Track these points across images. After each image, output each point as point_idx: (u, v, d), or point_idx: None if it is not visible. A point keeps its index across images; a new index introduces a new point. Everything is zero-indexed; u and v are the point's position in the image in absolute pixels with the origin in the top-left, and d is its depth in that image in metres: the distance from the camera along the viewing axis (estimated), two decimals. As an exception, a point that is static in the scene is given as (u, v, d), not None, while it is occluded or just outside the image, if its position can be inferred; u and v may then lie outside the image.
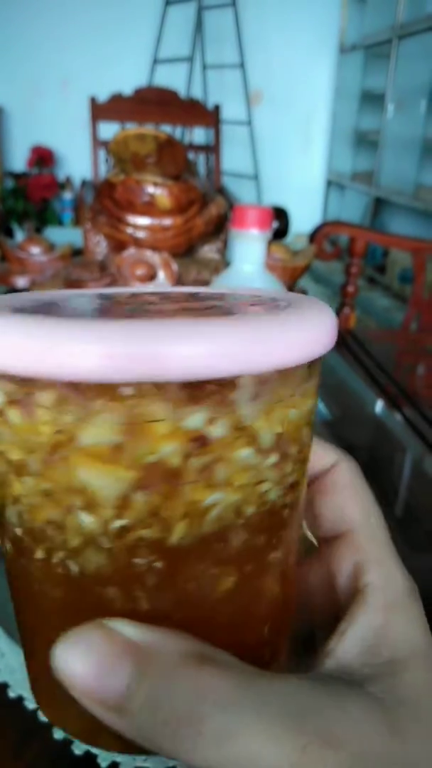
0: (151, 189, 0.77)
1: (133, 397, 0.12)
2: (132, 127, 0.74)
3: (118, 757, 0.31)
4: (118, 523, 0.13)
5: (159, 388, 0.12)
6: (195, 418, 0.13)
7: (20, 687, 0.35)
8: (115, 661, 0.12)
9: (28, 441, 0.13)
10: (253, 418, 0.14)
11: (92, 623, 0.13)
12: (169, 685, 0.12)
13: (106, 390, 0.12)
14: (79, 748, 0.32)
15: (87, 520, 0.13)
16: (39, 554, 0.14)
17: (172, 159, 0.75)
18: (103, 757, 0.31)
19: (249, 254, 0.48)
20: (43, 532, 0.14)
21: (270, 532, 0.15)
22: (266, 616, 0.16)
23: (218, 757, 0.11)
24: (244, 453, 0.14)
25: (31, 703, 0.34)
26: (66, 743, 0.32)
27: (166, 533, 0.13)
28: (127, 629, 0.12)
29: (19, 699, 0.34)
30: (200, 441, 0.13)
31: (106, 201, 0.81)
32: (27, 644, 0.17)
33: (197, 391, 0.13)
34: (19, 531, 0.14)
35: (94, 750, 0.32)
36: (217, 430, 0.13)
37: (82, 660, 0.12)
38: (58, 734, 0.32)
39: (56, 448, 0.13)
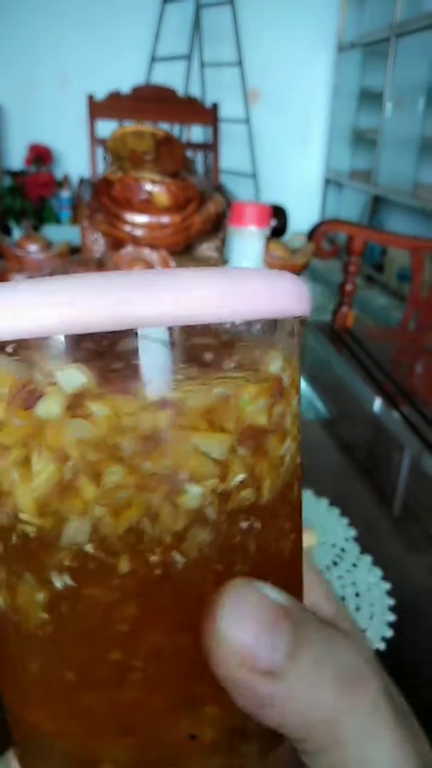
0: (149, 186, 0.77)
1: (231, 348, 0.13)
2: (130, 125, 0.74)
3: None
4: (221, 488, 0.13)
5: (245, 335, 0.13)
6: (276, 364, 0.14)
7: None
8: (273, 626, 0.12)
9: (119, 428, 0.12)
10: (297, 364, 0.14)
11: (245, 586, 0.13)
12: (328, 647, 0.13)
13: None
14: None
15: (194, 491, 0.13)
16: (123, 567, 0.13)
17: (170, 156, 0.74)
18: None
19: (247, 251, 0.47)
20: (131, 534, 0.13)
21: (299, 482, 0.16)
22: (300, 566, 0.17)
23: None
24: (295, 400, 0.14)
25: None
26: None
27: (258, 492, 0.14)
28: (273, 594, 0.13)
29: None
30: (280, 388, 0.14)
31: (104, 198, 0.80)
32: (21, 705, 0.15)
33: (270, 335, 0.13)
34: (89, 547, 0.13)
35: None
36: (287, 377, 0.14)
37: (243, 625, 0.12)
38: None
39: (160, 423, 0.12)
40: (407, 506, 0.57)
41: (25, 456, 0.13)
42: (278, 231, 1.49)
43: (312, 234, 1.23)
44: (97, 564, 0.13)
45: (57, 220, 3.04)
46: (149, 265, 0.83)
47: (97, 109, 2.08)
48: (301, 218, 2.53)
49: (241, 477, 0.13)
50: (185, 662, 0.14)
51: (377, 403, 0.78)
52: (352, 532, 0.48)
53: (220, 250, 0.90)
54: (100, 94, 2.08)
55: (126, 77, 2.66)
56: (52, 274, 0.92)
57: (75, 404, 0.12)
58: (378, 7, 2.83)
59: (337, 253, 1.25)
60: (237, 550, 0.14)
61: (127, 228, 0.81)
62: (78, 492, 0.12)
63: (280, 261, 0.91)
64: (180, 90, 2.34)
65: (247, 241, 0.47)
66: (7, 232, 1.18)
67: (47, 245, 0.99)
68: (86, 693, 0.14)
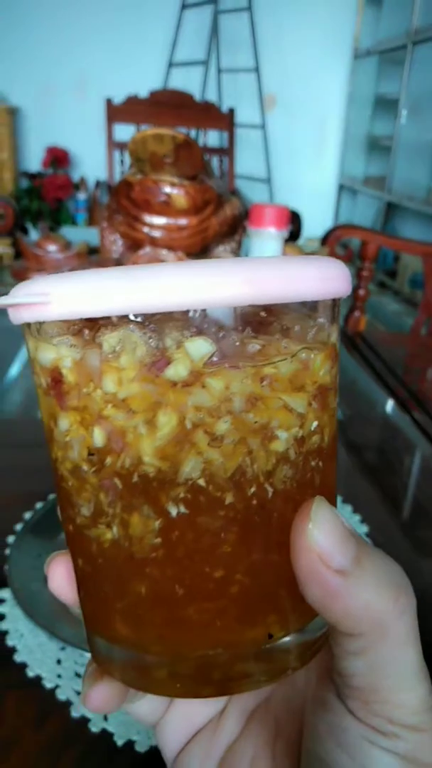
0: (167, 189, 0.78)
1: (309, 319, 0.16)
2: (148, 129, 0.75)
3: (134, 736, 0.32)
4: (300, 434, 0.16)
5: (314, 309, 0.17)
6: (334, 335, 0.17)
7: (39, 667, 0.36)
8: (345, 538, 0.16)
9: (230, 392, 0.15)
10: (340, 333, 0.18)
11: (326, 507, 0.16)
12: (382, 561, 0.16)
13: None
14: (95, 726, 0.33)
15: (283, 437, 0.16)
16: (228, 499, 0.16)
17: (189, 160, 0.76)
18: (120, 734, 0.32)
19: (265, 252, 0.49)
20: (236, 473, 0.16)
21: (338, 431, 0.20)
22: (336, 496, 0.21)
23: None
24: (338, 362, 0.18)
25: (49, 683, 0.35)
26: (83, 721, 0.33)
27: (322, 437, 0.17)
28: (341, 517, 0.16)
29: (38, 678, 0.35)
30: (335, 354, 0.17)
31: (123, 200, 0.82)
32: (105, 601, 0.18)
33: (330, 311, 0.17)
34: (202, 482, 0.16)
35: (110, 728, 0.33)
36: (339, 344, 0.18)
37: (325, 533, 0.16)
38: (75, 712, 0.33)
39: (264, 381, 0.16)
40: (418, 506, 0.58)
41: (151, 413, 0.15)
42: (292, 235, 1.50)
43: (326, 239, 1.24)
44: (207, 496, 0.16)
45: (73, 222, 3.07)
46: (166, 266, 0.84)
47: (115, 112, 2.10)
48: (315, 223, 2.53)
49: (314, 425, 0.17)
50: (273, 573, 0.17)
51: (389, 406, 0.79)
52: (365, 529, 0.49)
53: (236, 252, 0.91)
54: (118, 98, 2.10)
55: (143, 82, 2.68)
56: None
57: (197, 371, 0.15)
58: (394, 15, 2.84)
59: (350, 258, 1.26)
60: (308, 483, 0.17)
61: (146, 229, 0.82)
62: (195, 440, 0.15)
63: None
64: (197, 95, 2.36)
65: (266, 242, 0.48)
66: (25, 232, 1.20)
67: (66, 245, 1.00)
68: (191, 605, 0.17)
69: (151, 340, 0.15)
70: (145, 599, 0.17)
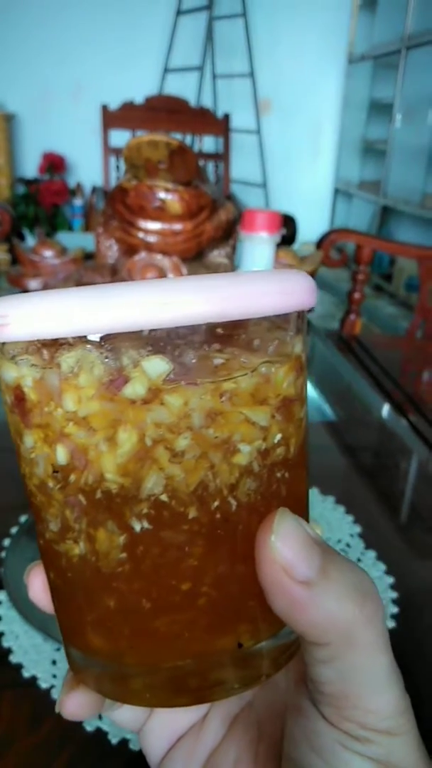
0: (162, 194, 0.79)
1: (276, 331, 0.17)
2: (143, 135, 0.76)
3: (128, 735, 0.33)
4: (263, 447, 0.17)
5: (283, 322, 0.17)
6: (298, 346, 0.18)
7: (34, 668, 0.36)
8: (309, 548, 0.16)
9: (189, 409, 0.16)
10: (307, 343, 0.19)
11: (289, 518, 0.16)
12: (348, 569, 0.16)
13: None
14: (90, 725, 0.33)
15: (245, 450, 0.16)
16: (192, 513, 0.16)
17: (183, 165, 0.77)
18: (114, 733, 0.33)
19: (257, 257, 0.49)
20: (198, 487, 0.16)
21: (308, 439, 0.20)
22: (308, 505, 0.21)
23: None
24: (306, 373, 0.19)
25: (44, 683, 0.35)
26: (78, 720, 0.33)
27: (287, 448, 0.17)
28: (306, 525, 0.17)
29: (33, 679, 0.35)
30: (300, 365, 0.18)
31: (119, 206, 0.83)
32: (76, 613, 0.18)
33: (294, 323, 0.17)
34: (164, 498, 0.16)
35: (105, 727, 0.33)
36: (304, 355, 0.18)
37: (289, 545, 0.16)
38: (70, 712, 0.34)
39: (224, 397, 0.16)
40: (412, 507, 0.59)
41: (111, 430, 0.16)
42: (288, 240, 1.51)
43: (321, 242, 1.25)
44: (170, 511, 0.16)
45: (69, 228, 3.08)
46: (161, 271, 0.85)
47: (111, 118, 2.11)
48: (311, 228, 2.55)
49: (278, 437, 0.17)
50: (239, 584, 0.17)
51: (384, 409, 0.79)
52: (357, 529, 0.50)
53: (230, 256, 0.91)
54: (114, 104, 2.12)
55: (139, 88, 2.70)
56: (66, 279, 0.95)
57: (155, 389, 0.15)
58: (389, 20, 2.86)
59: (345, 262, 1.27)
60: (274, 494, 0.17)
61: (141, 235, 0.83)
62: (156, 456, 0.16)
63: (289, 268, 0.93)
64: (192, 101, 2.37)
65: (258, 247, 0.48)
66: (21, 238, 1.20)
67: (62, 251, 1.01)
68: (159, 617, 0.17)
69: (108, 360, 0.15)
70: (114, 612, 0.17)
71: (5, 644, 0.37)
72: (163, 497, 0.16)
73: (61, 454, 0.16)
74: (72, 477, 0.16)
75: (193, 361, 0.16)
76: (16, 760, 0.31)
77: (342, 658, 0.16)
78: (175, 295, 0.15)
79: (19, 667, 0.36)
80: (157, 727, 0.22)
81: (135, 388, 0.15)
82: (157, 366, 0.15)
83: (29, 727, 0.33)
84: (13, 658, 0.37)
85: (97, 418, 0.15)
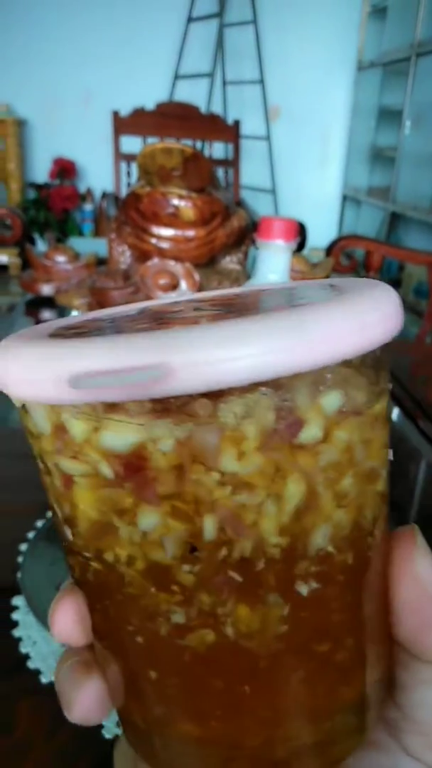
0: (175, 201, 0.80)
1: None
2: (153, 142, 0.76)
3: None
4: (388, 466, 0.16)
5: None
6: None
7: (52, 674, 0.36)
8: None
9: (354, 442, 0.14)
10: None
11: (420, 534, 0.16)
12: None
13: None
14: (108, 732, 0.33)
15: (383, 474, 0.16)
16: (350, 560, 0.15)
17: (197, 172, 0.77)
18: (132, 740, 0.33)
19: (274, 264, 0.49)
20: (354, 528, 0.15)
21: None
22: None
23: None
24: None
25: (61, 689, 0.35)
26: (96, 728, 0.33)
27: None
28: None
29: (51, 685, 0.36)
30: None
31: (132, 212, 0.83)
32: (195, 703, 0.15)
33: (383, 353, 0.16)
34: (330, 549, 0.14)
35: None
36: None
37: (428, 566, 0.16)
38: (88, 718, 0.34)
39: (376, 422, 0.15)
40: (424, 514, 0.58)
41: (277, 486, 0.13)
42: (298, 246, 1.52)
43: (331, 249, 1.25)
44: (333, 564, 0.14)
45: (80, 233, 3.09)
46: (174, 277, 0.85)
47: (122, 124, 2.12)
48: (320, 234, 2.55)
49: (391, 453, 0.16)
50: (376, 622, 0.16)
51: (394, 414, 0.79)
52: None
53: (242, 263, 0.92)
54: (124, 110, 2.13)
55: (150, 94, 2.71)
56: (79, 284, 0.95)
57: (329, 427, 0.13)
58: (398, 27, 2.86)
59: (355, 268, 1.27)
60: (387, 515, 0.17)
61: (154, 241, 0.84)
62: (323, 503, 0.14)
63: (301, 275, 0.93)
64: (202, 107, 2.38)
65: (275, 254, 0.49)
66: (31, 243, 1.21)
67: (75, 256, 1.02)
68: (304, 688, 0.15)
69: (285, 402, 0.13)
70: (253, 697, 0.15)
71: (23, 650, 0.38)
72: (330, 548, 0.14)
73: (209, 527, 0.13)
74: (222, 552, 0.13)
75: (356, 387, 0.14)
76: (34, 766, 0.31)
77: None
78: (370, 316, 0.13)
79: (37, 672, 0.36)
80: None
81: (312, 431, 0.13)
82: (335, 401, 0.13)
83: (47, 733, 0.33)
84: (31, 664, 0.37)
85: (262, 474, 0.13)
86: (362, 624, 0.16)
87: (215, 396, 0.12)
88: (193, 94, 2.91)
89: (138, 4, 3.02)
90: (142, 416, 0.13)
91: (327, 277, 0.99)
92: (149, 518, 0.13)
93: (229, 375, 0.12)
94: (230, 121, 2.25)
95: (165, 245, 0.83)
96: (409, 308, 2.91)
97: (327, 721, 0.15)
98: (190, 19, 2.95)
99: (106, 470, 0.13)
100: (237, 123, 2.21)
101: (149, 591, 0.14)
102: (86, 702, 0.16)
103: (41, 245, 2.58)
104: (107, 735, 0.33)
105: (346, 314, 0.13)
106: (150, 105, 2.10)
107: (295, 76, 3.20)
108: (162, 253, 0.84)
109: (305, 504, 0.13)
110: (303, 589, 0.14)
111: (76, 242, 1.65)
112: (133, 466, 0.13)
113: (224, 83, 3.03)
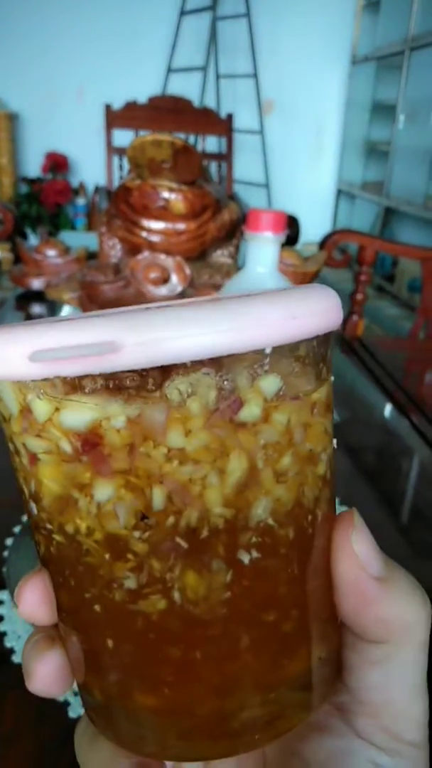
0: (166, 194, 0.79)
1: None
2: (147, 135, 0.76)
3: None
4: (331, 453, 0.17)
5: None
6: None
7: (37, 668, 0.36)
8: (376, 546, 0.17)
9: (293, 425, 0.15)
10: None
11: (359, 516, 0.17)
12: (402, 569, 0.17)
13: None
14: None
15: (323, 458, 0.17)
16: (291, 534, 0.16)
17: (187, 165, 0.77)
18: (117, 734, 0.33)
19: (262, 257, 0.49)
20: (295, 506, 0.16)
21: None
22: None
23: None
24: None
25: (47, 684, 0.35)
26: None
27: (334, 453, 0.18)
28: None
29: (36, 679, 0.35)
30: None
31: (122, 205, 0.83)
32: (145, 673, 0.16)
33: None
34: (271, 521, 0.15)
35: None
36: None
37: (364, 541, 0.16)
38: (72, 712, 0.34)
39: (315, 408, 0.16)
40: (416, 509, 0.58)
41: (221, 461, 0.14)
42: (290, 240, 1.51)
43: (324, 243, 1.25)
44: (275, 536, 0.15)
45: (72, 227, 3.08)
46: (164, 271, 0.85)
47: (114, 118, 2.11)
48: (313, 229, 2.55)
49: (335, 442, 0.17)
50: (316, 600, 0.17)
51: (387, 410, 0.79)
52: (361, 531, 0.50)
53: (233, 256, 0.91)
54: (117, 103, 2.11)
55: (142, 88, 2.70)
56: (69, 278, 0.95)
57: (267, 408, 0.15)
58: (392, 21, 2.86)
59: (348, 263, 1.27)
60: (332, 499, 0.18)
61: (144, 234, 0.83)
62: (263, 479, 0.15)
63: (293, 268, 0.93)
64: (195, 101, 2.37)
65: (263, 246, 0.48)
66: (24, 237, 1.21)
67: (65, 250, 1.01)
68: (252, 654, 0.16)
69: (226, 382, 0.14)
70: (203, 663, 0.15)
71: (8, 644, 0.37)
72: (270, 521, 0.15)
73: (158, 498, 0.14)
74: (169, 520, 0.14)
75: (293, 374, 0.15)
76: (19, 759, 0.31)
77: (396, 657, 0.16)
78: (302, 309, 0.14)
79: (21, 666, 0.36)
80: None
81: (251, 410, 0.14)
82: (273, 384, 0.15)
83: (33, 726, 0.33)
84: (16, 658, 0.37)
85: (206, 450, 0.14)
86: (307, 599, 0.16)
87: (162, 376, 0.14)
88: (186, 87, 2.90)
89: (131, -3, 3.01)
90: (97, 396, 0.14)
91: (318, 271, 0.98)
92: (104, 490, 0.15)
93: (170, 353, 0.13)
94: (223, 114, 2.24)
95: (155, 238, 0.82)
96: (402, 303, 2.92)
97: (272, 692, 0.16)
98: (183, 12, 2.94)
99: (67, 447, 0.15)
100: (230, 117, 2.20)
101: (106, 559, 0.15)
102: (45, 673, 0.17)
103: (33, 240, 2.57)
104: (92, 729, 0.33)
105: (276, 305, 0.14)
106: (143, 98, 2.09)
107: (289, 70, 3.19)
108: (152, 247, 0.83)
109: (246, 478, 0.15)
110: (245, 557, 0.15)
111: (67, 236, 1.65)
112: (90, 442, 0.14)
113: (217, 77, 3.02)
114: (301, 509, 0.16)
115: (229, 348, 0.13)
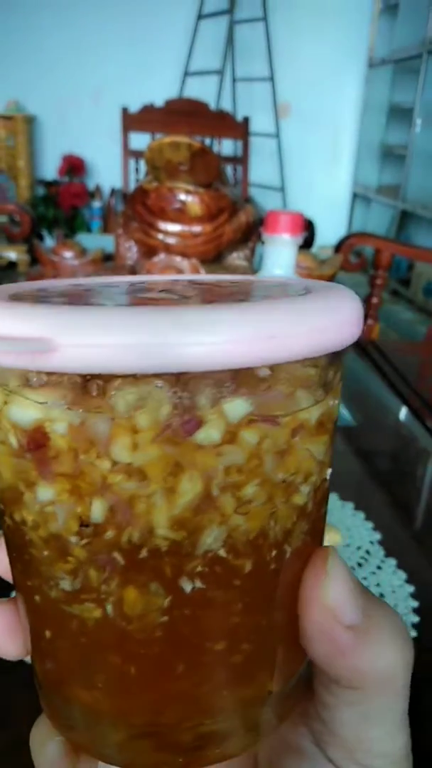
0: (182, 196, 0.79)
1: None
2: (165, 137, 0.76)
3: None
4: (317, 482, 0.16)
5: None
6: (341, 374, 0.16)
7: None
8: (356, 591, 0.15)
9: (263, 450, 0.14)
10: None
11: (339, 559, 0.16)
12: (385, 613, 0.16)
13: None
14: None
15: (304, 489, 0.15)
16: (248, 567, 0.14)
17: (204, 167, 0.77)
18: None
19: (280, 259, 0.49)
20: (258, 537, 0.14)
21: None
22: None
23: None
24: None
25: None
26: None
27: (327, 482, 0.16)
28: (351, 574, 0.16)
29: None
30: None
31: (139, 207, 0.83)
32: (81, 674, 0.16)
33: (341, 354, 0.15)
34: (222, 553, 0.14)
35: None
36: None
37: (339, 588, 0.15)
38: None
39: (293, 441, 0.14)
40: (430, 513, 0.58)
41: (170, 480, 0.13)
42: (306, 243, 1.51)
43: (340, 246, 1.24)
44: (226, 567, 0.14)
45: (88, 229, 3.10)
46: (180, 273, 0.85)
47: (131, 121, 2.12)
48: (329, 232, 2.54)
49: (329, 472, 0.16)
50: (273, 634, 0.16)
51: (402, 414, 0.79)
52: (377, 536, 0.49)
53: (249, 259, 0.91)
54: (134, 107, 2.13)
55: (159, 91, 2.71)
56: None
57: (231, 432, 0.13)
58: (410, 24, 2.84)
59: (363, 266, 1.26)
60: (316, 533, 0.16)
61: (160, 236, 0.83)
62: (220, 505, 0.13)
63: (308, 271, 0.93)
64: (212, 104, 2.38)
65: (281, 248, 0.48)
66: (40, 239, 1.21)
67: (82, 252, 1.01)
68: (188, 679, 0.15)
69: (181, 399, 0.12)
70: (136, 678, 0.15)
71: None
72: (221, 552, 0.14)
73: (98, 509, 0.13)
74: (109, 533, 0.14)
75: (271, 395, 0.13)
76: (29, 762, 0.31)
77: (371, 701, 0.16)
78: (281, 326, 0.12)
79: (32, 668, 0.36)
80: None
81: (209, 433, 0.13)
82: (239, 408, 0.13)
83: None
84: (27, 659, 0.36)
85: (154, 467, 0.13)
86: (264, 632, 0.15)
87: (107, 383, 0.12)
88: (203, 90, 2.91)
89: (148, 1, 3.02)
90: (44, 393, 0.13)
91: (334, 274, 0.98)
92: (46, 492, 0.14)
93: (112, 362, 0.11)
94: (239, 118, 2.25)
95: (171, 240, 0.82)
96: (417, 307, 2.90)
97: (209, 719, 0.15)
98: (200, 16, 2.95)
99: (14, 441, 0.14)
100: (246, 120, 2.21)
101: (46, 556, 0.15)
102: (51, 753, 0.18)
103: (50, 242, 2.59)
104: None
105: (250, 319, 0.12)
106: (159, 102, 2.09)
107: (306, 73, 3.18)
108: (168, 249, 0.83)
109: (199, 502, 0.13)
110: (187, 586, 0.14)
111: (83, 238, 1.65)
112: (35, 442, 0.14)
113: (234, 80, 3.02)
114: (265, 541, 0.14)
115: (182, 366, 0.12)
